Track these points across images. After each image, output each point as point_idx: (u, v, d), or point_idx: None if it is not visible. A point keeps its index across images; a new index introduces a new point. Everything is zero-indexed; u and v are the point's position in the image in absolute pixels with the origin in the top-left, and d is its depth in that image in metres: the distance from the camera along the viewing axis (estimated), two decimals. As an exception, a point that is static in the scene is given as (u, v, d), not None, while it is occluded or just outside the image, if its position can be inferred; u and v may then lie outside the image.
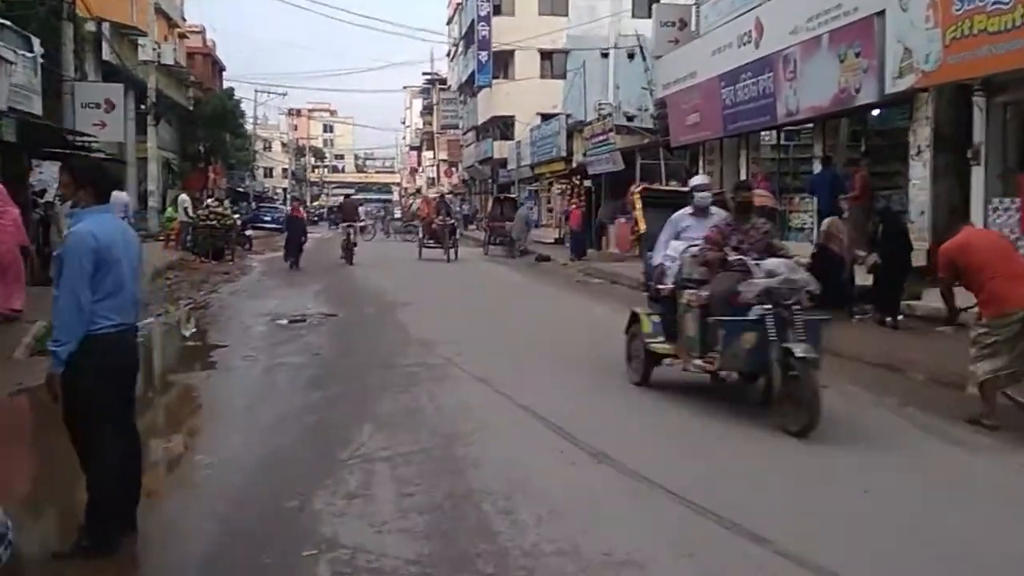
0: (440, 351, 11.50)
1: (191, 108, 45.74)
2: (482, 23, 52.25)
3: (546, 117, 42.17)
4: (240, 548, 5.19)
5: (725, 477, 6.35)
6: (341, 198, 47.58)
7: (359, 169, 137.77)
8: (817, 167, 18.10)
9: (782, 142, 21.18)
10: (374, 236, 43.00)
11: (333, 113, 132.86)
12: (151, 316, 14.89)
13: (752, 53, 19.59)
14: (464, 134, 65.77)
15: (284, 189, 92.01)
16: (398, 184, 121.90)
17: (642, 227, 10.23)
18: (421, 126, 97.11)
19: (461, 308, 16.85)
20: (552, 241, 35.69)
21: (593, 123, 31.59)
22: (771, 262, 7.95)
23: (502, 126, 52.28)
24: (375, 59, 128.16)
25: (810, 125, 19.03)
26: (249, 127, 67.52)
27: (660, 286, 9.30)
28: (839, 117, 17.81)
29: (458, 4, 65.09)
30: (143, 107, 34.16)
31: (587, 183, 34.17)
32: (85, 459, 5.02)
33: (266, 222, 47.95)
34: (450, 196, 47.66)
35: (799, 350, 7.36)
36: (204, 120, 47.29)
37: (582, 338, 12.66)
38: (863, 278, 13.15)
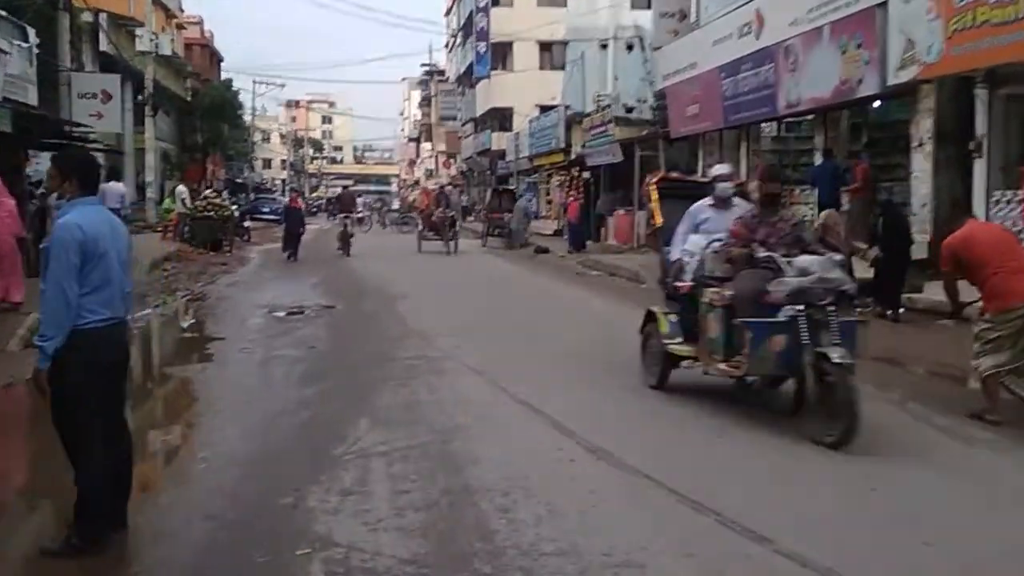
0: (438, 344, 11.43)
1: (189, 99, 45.65)
2: (480, 14, 52.16)
3: (545, 109, 42.10)
4: (233, 546, 5.09)
5: (726, 475, 6.26)
6: (339, 189, 47.44)
7: (358, 160, 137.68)
8: (818, 159, 18.00)
9: (782, 134, 21.08)
10: (370, 228, 42.91)
11: (332, 104, 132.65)
12: (148, 307, 14.87)
13: (753, 44, 19.46)
14: (463, 126, 65.62)
15: (283, 180, 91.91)
16: (397, 176, 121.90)
17: (658, 220, 9.54)
18: (419, 117, 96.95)
19: (459, 300, 16.80)
20: (551, 233, 35.59)
21: (592, 115, 31.49)
22: (804, 259, 7.41)
23: (501, 118, 52.19)
24: (373, 50, 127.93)
25: (811, 117, 18.92)
26: (247, 118, 67.39)
27: (678, 283, 8.71)
28: (840, 109, 17.69)
29: (457, -6, 65.00)
30: (140, 98, 34.04)
31: (586, 175, 34.07)
32: (73, 455, 4.92)
33: (264, 213, 47.76)
34: (450, 187, 47.45)
35: (835, 355, 6.84)
36: (202, 111, 47.20)
37: (581, 331, 12.59)
38: (863, 271, 13.06)
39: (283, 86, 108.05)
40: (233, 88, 55.23)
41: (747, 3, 20.10)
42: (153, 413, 8.82)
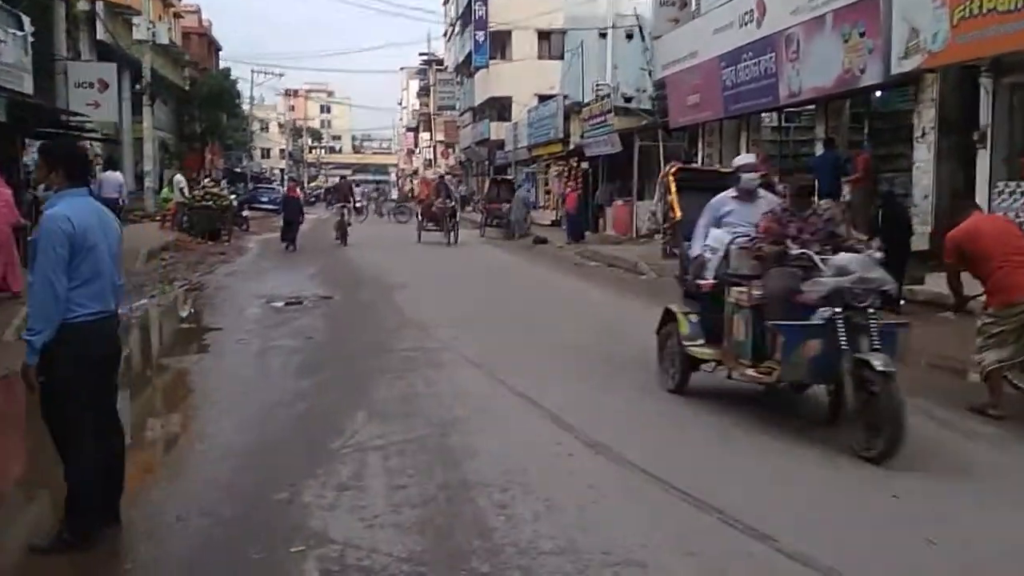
0: (436, 335, 11.38)
1: (187, 88, 45.45)
2: (479, 2, 51.94)
3: (543, 98, 41.92)
4: (227, 542, 5.01)
5: (726, 472, 6.17)
6: (337, 179, 47.38)
7: (356, 150, 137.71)
8: (819, 149, 17.89)
9: (783, 124, 20.96)
10: (366, 217, 42.83)
11: (330, 94, 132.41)
12: (145, 297, 14.84)
13: (754, 33, 19.29)
14: (461, 115, 65.48)
15: (282, 170, 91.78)
16: (395, 165, 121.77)
17: (677, 213, 8.95)
18: (418, 107, 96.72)
19: (457, 291, 16.74)
20: (549, 223, 35.54)
21: (591, 104, 31.33)
22: (842, 257, 6.87)
23: (499, 107, 52.05)
24: (372, 39, 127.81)
25: (812, 107, 18.80)
26: (246, 108, 67.23)
27: (700, 281, 8.18)
28: (842, 98, 17.57)
29: (455, -17, 64.72)
30: (138, 87, 33.93)
31: (584, 165, 33.98)
32: (63, 450, 4.84)
33: (263, 203, 47.66)
34: (450, 177, 47.34)
35: (878, 362, 6.30)
36: (200, 100, 47.01)
37: (580, 323, 12.54)
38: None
39: (282, 75, 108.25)
40: (231, 77, 55.02)
41: (748, -9, 19.95)
42: (148, 405, 8.74)
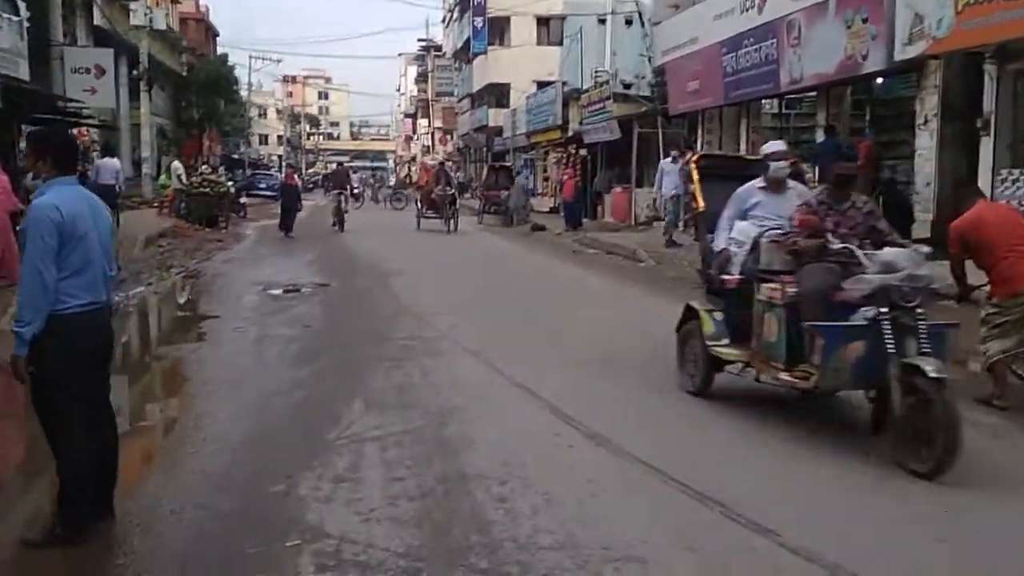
0: (434, 323, 11.30)
1: (184, 74, 45.27)
2: (478, -12, 51.69)
3: (542, 85, 41.76)
4: (222, 536, 4.94)
5: (728, 464, 6.09)
6: (335, 165, 47.33)
7: (354, 137, 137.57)
8: (820, 136, 17.79)
9: (783, 111, 20.85)
10: (362, 204, 42.72)
11: (328, 80, 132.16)
12: (142, 285, 14.78)
13: (755, 19, 19.19)
14: (459, 102, 65.28)
15: (280, 156, 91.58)
16: (393, 152, 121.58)
17: (700, 204, 8.42)
18: (416, 93, 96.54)
19: (455, 278, 16.68)
20: (547, 210, 35.44)
21: (590, 91, 31.19)
22: (889, 252, 6.34)
23: (497, 94, 51.91)
24: (370, 24, 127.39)
25: (813, 93, 18.69)
26: (244, 94, 67.05)
27: (725, 276, 7.66)
28: (844, 85, 17.46)
29: (454, -32, 64.46)
30: (135, 73, 33.75)
31: (583, 152, 33.86)
32: (54, 442, 4.77)
33: (261, 189, 47.54)
34: (450, 164, 47.22)
35: (930, 368, 5.79)
36: (198, 86, 46.85)
37: (578, 311, 12.47)
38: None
39: (279, 61, 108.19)
40: (229, 63, 54.82)
41: (750, -24, 19.81)
42: (144, 394, 8.67)
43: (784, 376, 6.73)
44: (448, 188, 28.60)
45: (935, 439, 5.72)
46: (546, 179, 42.25)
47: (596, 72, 32.21)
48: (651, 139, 26.89)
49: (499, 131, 49.65)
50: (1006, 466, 6.26)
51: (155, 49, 35.96)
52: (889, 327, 6.04)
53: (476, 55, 53.88)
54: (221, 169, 40.06)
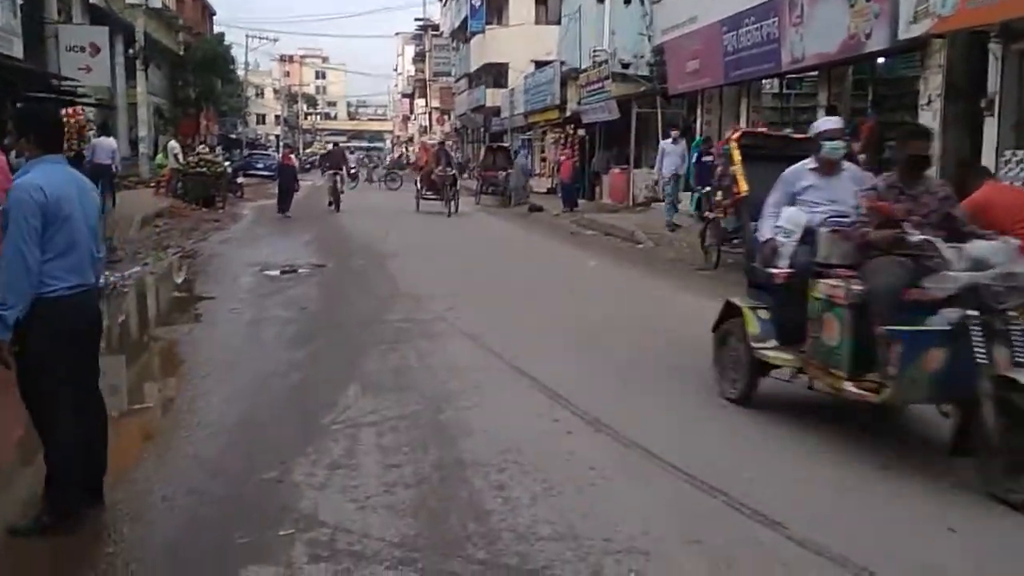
0: (431, 306, 11.19)
1: (181, 53, 45.01)
2: (476, -34, 51.37)
3: (540, 64, 41.48)
4: (214, 524, 4.83)
5: (731, 452, 5.96)
6: (331, 146, 47.19)
7: (351, 117, 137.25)
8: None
9: (784, 91, 20.67)
10: (357, 184, 42.59)
11: (325, 60, 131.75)
12: (138, 265, 14.71)
13: (756, -4, 18.99)
14: (456, 81, 64.98)
15: (277, 136, 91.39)
16: (391, 132, 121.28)
17: (743, 188, 7.45)
18: (413, 73, 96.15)
19: (452, 259, 16.56)
20: (545, 191, 35.29)
21: (588, 71, 30.97)
22: (979, 247, 5.56)
23: (495, 73, 51.59)
24: (367, 3, 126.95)
25: (814, 73, 18.51)
26: (241, 73, 66.79)
27: (772, 269, 6.80)
28: (846, 65, 17.28)
29: (452, -54, 64.10)
30: (131, 52, 33.51)
31: (581, 132, 33.68)
32: (40, 427, 4.67)
33: (258, 169, 47.46)
34: (450, 144, 47.01)
35: None
36: (195, 66, 46.56)
37: (577, 292, 12.38)
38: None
39: (276, 40, 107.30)
40: (226, 42, 54.51)
41: (751, -47, 19.59)
42: (136, 376, 8.57)
43: (849, 387, 5.86)
44: (449, 169, 27.99)
45: None
46: (543, 160, 42.06)
47: (595, 51, 31.91)
48: (650, 119, 26.72)
49: (497, 111, 49.43)
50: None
51: (151, 27, 35.74)
52: (980, 333, 5.29)
53: (474, 34, 53.58)
54: (218, 149, 39.83)
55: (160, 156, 31.35)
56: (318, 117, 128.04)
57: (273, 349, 9.09)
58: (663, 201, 22.20)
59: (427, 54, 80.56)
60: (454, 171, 28.94)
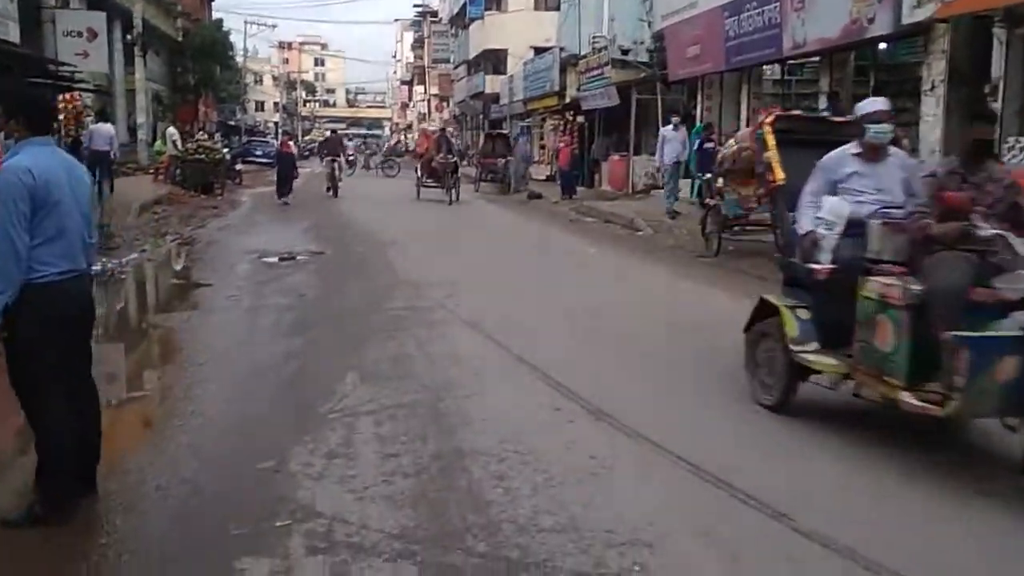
0: (430, 293, 11.10)
1: (179, 39, 44.77)
2: (474, -48, 51.20)
3: (539, 51, 41.31)
4: (208, 516, 4.75)
5: (736, 442, 5.86)
6: (329, 132, 47.09)
7: (350, 104, 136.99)
8: (822, 103, 17.53)
9: (785, 76, 20.56)
10: (354, 171, 42.46)
11: (324, 46, 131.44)
12: (136, 251, 14.65)
13: (758, -19, 18.86)
14: (455, 68, 64.82)
15: (276, 123, 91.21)
16: (389, 119, 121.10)
17: (779, 176, 6.83)
18: (412, 60, 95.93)
19: (451, 247, 16.54)
20: (544, 178, 35.18)
21: (588, 57, 30.83)
22: None
23: (494, 60, 51.45)
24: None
25: (816, 59, 18.39)
26: (239, 60, 66.61)
27: (813, 265, 6.17)
28: (848, 50, 17.17)
29: (450, -68, 63.85)
30: (129, 37, 33.31)
31: (581, 119, 33.56)
32: (31, 415, 4.59)
33: (257, 156, 47.38)
34: (451, 130, 46.85)
35: None
36: (193, 52, 46.30)
37: (576, 280, 12.32)
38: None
39: (275, 27, 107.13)
40: (224, 29, 54.28)
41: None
42: (131, 364, 8.44)
43: (907, 398, 5.24)
44: (450, 156, 27.61)
45: None
46: (543, 146, 41.93)
47: (594, 38, 31.77)
48: (650, 106, 26.60)
49: (496, 98, 49.29)
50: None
51: (149, 13, 35.53)
52: None
53: (472, 20, 53.43)
54: (217, 136, 39.70)
55: (158, 143, 31.25)
56: (317, 104, 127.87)
57: (271, 337, 9.00)
58: (662, 188, 22.11)
59: (426, 40, 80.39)
60: (455, 158, 28.64)
